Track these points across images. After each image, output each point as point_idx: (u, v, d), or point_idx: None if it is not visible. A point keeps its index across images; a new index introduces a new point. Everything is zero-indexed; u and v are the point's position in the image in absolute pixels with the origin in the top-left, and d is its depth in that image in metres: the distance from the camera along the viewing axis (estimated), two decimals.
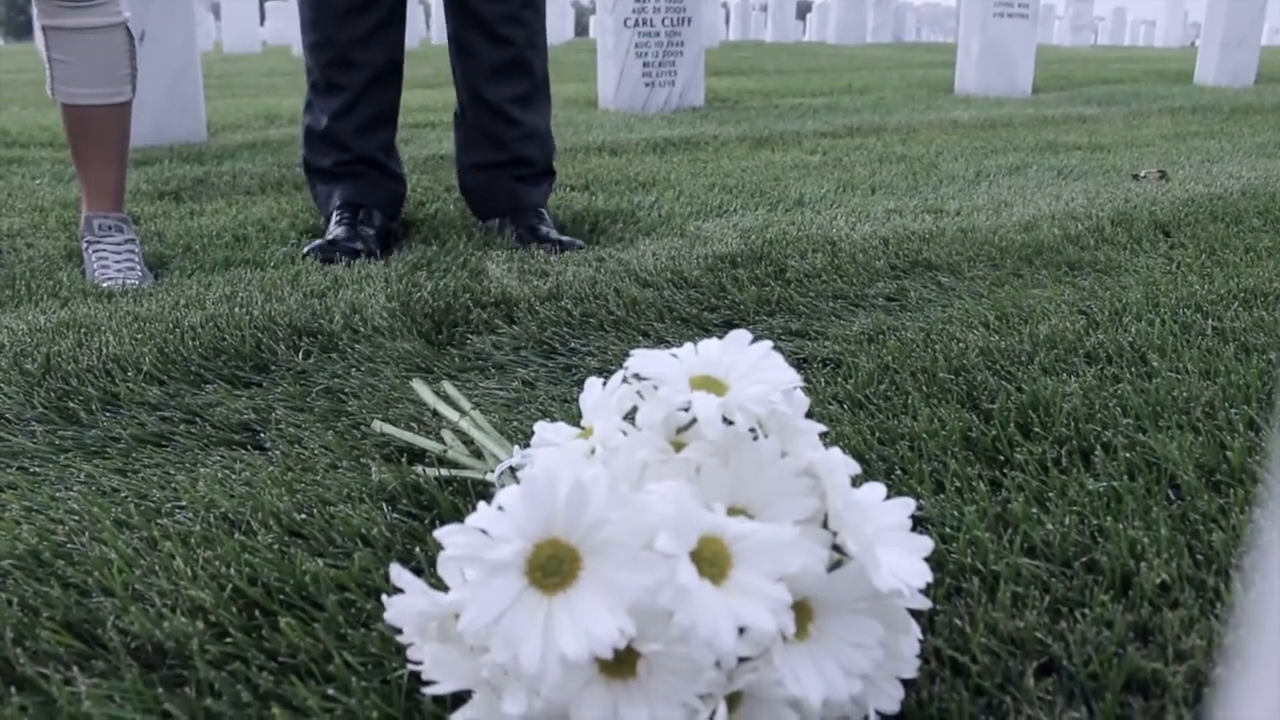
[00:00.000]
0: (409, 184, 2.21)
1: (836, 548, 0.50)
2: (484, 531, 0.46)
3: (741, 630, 0.44)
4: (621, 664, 0.45)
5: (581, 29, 20.34)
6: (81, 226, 1.62)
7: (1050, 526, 0.72)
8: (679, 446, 0.52)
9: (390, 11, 1.68)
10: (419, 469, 0.82)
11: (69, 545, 0.72)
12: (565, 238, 1.69)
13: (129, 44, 1.54)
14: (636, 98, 4.42)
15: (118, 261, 1.52)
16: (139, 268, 1.53)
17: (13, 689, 0.58)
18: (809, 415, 0.56)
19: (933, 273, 1.47)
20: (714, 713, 0.46)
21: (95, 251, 1.54)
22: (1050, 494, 0.78)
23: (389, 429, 0.89)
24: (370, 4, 1.65)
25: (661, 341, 1.19)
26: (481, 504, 0.48)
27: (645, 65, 4.44)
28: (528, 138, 1.77)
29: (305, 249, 1.62)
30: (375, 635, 0.61)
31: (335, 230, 1.68)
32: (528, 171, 1.79)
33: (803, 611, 0.47)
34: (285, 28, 14.81)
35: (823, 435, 0.55)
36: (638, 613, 0.44)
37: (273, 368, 1.10)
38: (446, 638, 0.50)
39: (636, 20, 4.41)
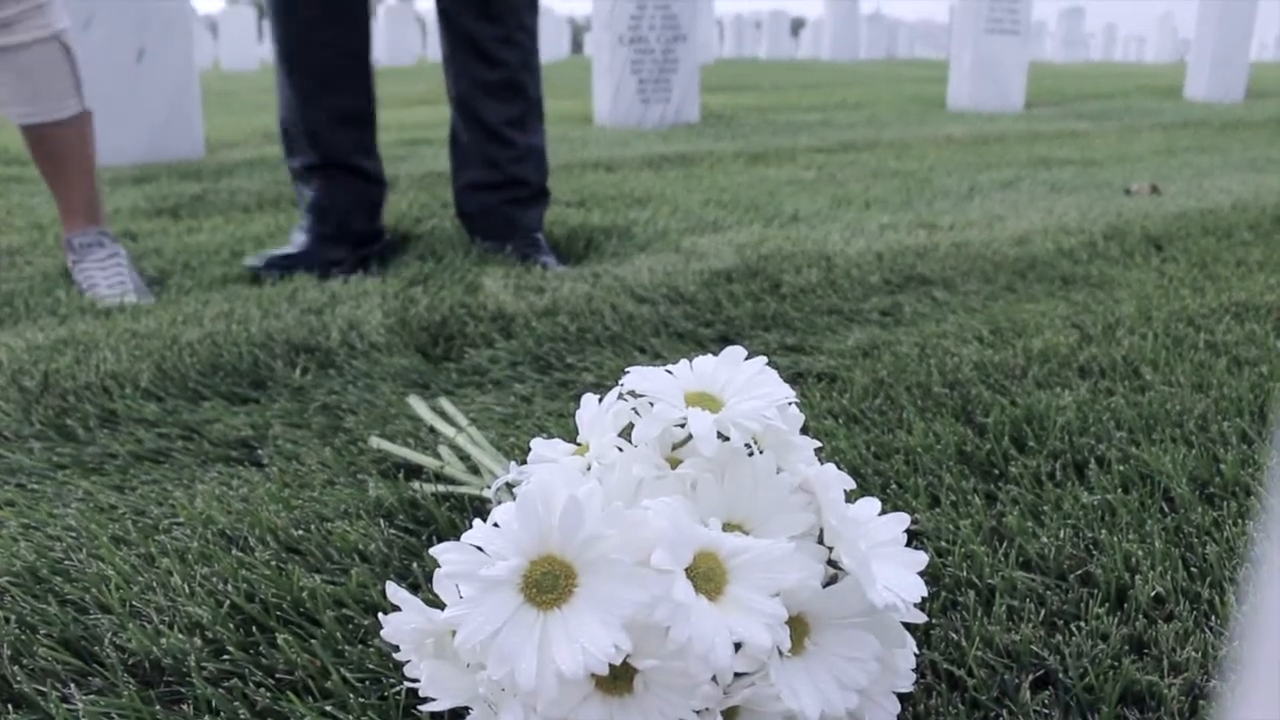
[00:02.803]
0: (407, 200, 2.22)
1: (832, 563, 0.50)
2: (479, 548, 0.46)
3: (737, 645, 0.45)
4: (618, 680, 0.46)
5: (577, 45, 20.41)
6: (64, 247, 1.60)
7: (1045, 540, 0.73)
8: (675, 462, 0.52)
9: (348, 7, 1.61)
10: (416, 485, 0.82)
11: (66, 562, 0.72)
12: (562, 267, 1.67)
13: (65, 55, 1.50)
14: (632, 114, 4.44)
15: (105, 277, 1.51)
16: (128, 280, 1.51)
17: (10, 707, 0.58)
18: (804, 430, 0.56)
19: (927, 287, 1.48)
20: None
21: (81, 270, 1.53)
22: (1045, 507, 0.79)
23: (386, 445, 0.90)
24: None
25: (657, 357, 1.19)
26: (477, 520, 0.48)
27: (640, 82, 4.46)
28: (523, 159, 1.76)
29: (255, 261, 1.58)
30: (373, 651, 0.61)
31: (300, 239, 1.64)
32: (523, 193, 1.78)
33: (799, 626, 0.48)
34: None
35: (818, 450, 0.55)
36: (634, 628, 0.44)
37: (270, 384, 1.10)
38: (443, 654, 0.50)
39: (632, 37, 4.43)
